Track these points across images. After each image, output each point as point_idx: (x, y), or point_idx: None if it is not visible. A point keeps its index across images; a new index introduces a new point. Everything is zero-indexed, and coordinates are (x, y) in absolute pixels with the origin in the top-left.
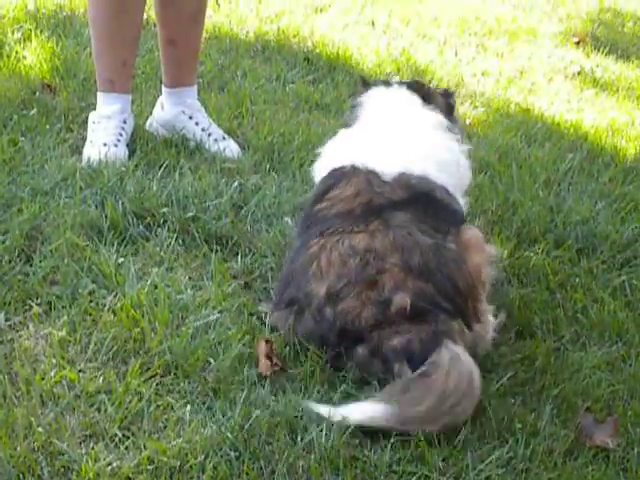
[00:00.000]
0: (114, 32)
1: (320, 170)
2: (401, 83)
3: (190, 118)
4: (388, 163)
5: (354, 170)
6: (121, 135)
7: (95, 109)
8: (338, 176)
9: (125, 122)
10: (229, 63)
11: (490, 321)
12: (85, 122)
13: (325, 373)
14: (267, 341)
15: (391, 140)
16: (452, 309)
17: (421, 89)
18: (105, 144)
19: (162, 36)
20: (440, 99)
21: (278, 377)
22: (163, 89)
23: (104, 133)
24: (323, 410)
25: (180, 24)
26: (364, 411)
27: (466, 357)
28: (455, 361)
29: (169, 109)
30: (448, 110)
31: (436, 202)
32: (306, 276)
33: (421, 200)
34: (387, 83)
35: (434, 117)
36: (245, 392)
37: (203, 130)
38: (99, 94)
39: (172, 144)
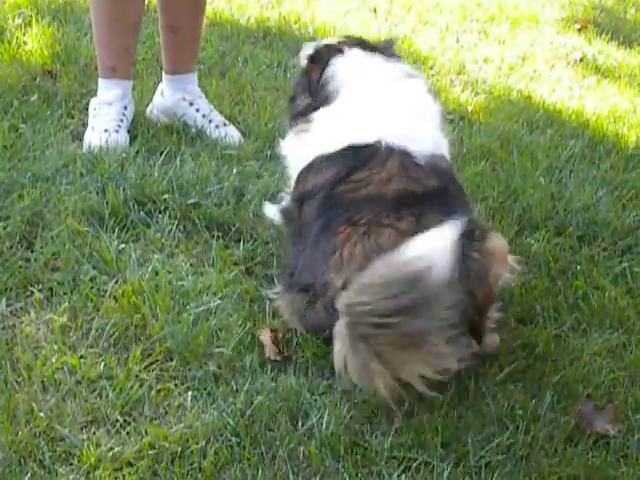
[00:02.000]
0: (116, 18)
1: (313, 147)
2: (355, 45)
3: (191, 105)
4: (418, 142)
5: (388, 150)
6: (122, 121)
7: (96, 95)
8: (366, 155)
9: (126, 108)
10: (230, 49)
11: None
12: (86, 108)
13: (327, 359)
14: (272, 330)
15: (401, 113)
16: (465, 328)
17: (373, 47)
18: (106, 130)
19: (163, 22)
20: (392, 52)
21: (279, 363)
22: (163, 75)
23: (105, 119)
24: None
25: (181, 10)
26: None
27: None
28: None
29: (169, 96)
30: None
31: (458, 189)
32: (326, 264)
33: (449, 190)
34: (340, 50)
35: (417, 80)
36: (246, 378)
37: (204, 117)
38: (100, 80)
39: (173, 131)
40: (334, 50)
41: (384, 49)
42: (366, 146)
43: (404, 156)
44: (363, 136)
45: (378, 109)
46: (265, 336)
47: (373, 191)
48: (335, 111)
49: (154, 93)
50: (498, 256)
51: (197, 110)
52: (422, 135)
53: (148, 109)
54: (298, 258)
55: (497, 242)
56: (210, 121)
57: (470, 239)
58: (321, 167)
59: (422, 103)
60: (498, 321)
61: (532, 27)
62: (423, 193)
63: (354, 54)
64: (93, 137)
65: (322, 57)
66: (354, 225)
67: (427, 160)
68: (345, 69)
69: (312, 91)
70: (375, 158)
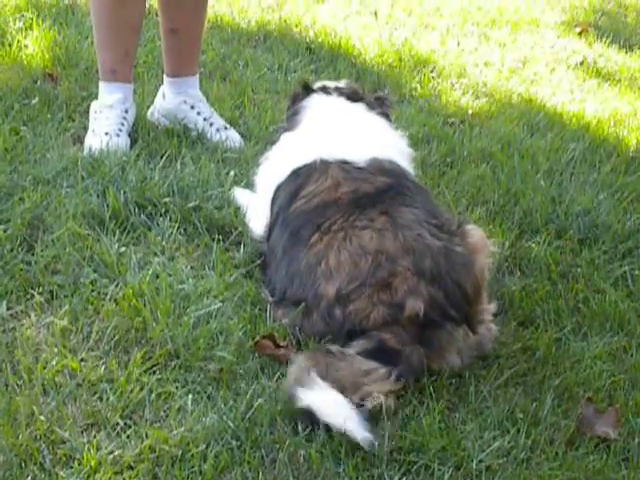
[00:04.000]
0: (117, 21)
1: (271, 174)
2: (338, 90)
3: (192, 108)
4: (355, 152)
5: (324, 163)
6: (123, 125)
7: (97, 98)
8: (307, 172)
9: (127, 112)
10: (231, 52)
11: (492, 324)
12: (87, 111)
13: None
14: (268, 336)
15: (346, 135)
16: (458, 316)
17: (356, 95)
18: (107, 133)
19: (164, 25)
20: (375, 104)
21: (280, 366)
22: (165, 78)
23: (106, 122)
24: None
25: (183, 13)
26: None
27: None
28: None
29: (171, 99)
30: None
31: (413, 183)
32: (313, 275)
33: (403, 184)
34: (326, 90)
35: (374, 115)
36: (247, 381)
37: (205, 120)
38: (101, 83)
39: (174, 134)
40: (311, 90)
41: (356, 96)
42: (305, 166)
43: (342, 163)
44: (304, 159)
45: (320, 135)
46: (266, 339)
47: (326, 198)
48: (287, 140)
49: (155, 96)
50: (481, 248)
51: (198, 113)
52: (360, 146)
53: (149, 112)
54: (277, 275)
55: (478, 235)
56: (211, 124)
57: (449, 233)
58: (276, 196)
59: (365, 124)
60: (495, 314)
61: (533, 30)
62: (377, 191)
63: (322, 95)
64: (94, 141)
65: (301, 95)
66: (328, 232)
67: (369, 163)
68: (311, 106)
69: (287, 122)
70: (315, 172)
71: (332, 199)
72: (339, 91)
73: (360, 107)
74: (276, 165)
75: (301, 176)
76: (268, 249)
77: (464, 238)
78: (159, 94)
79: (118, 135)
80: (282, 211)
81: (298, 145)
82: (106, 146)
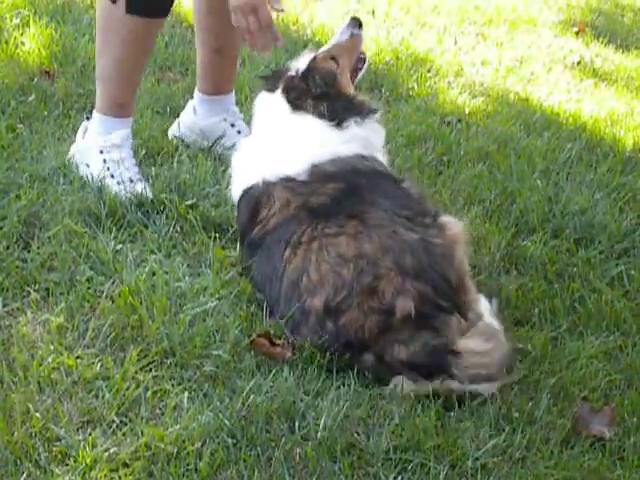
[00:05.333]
0: (142, 54)
1: (235, 189)
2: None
3: (232, 126)
4: (292, 166)
5: (266, 184)
6: (136, 165)
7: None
8: (256, 196)
9: (131, 147)
10: None
11: (483, 307)
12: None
13: (324, 359)
14: (263, 335)
15: (283, 146)
16: (449, 306)
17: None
18: (132, 180)
19: (210, 45)
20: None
21: (276, 364)
22: (200, 96)
23: (123, 168)
24: None
25: (229, 32)
26: None
27: None
28: None
29: (206, 116)
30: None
31: (373, 178)
32: (297, 292)
33: (359, 184)
34: (270, 88)
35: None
36: (243, 379)
37: (244, 137)
38: (103, 118)
39: None
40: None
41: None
42: (252, 187)
43: (285, 181)
44: (250, 179)
45: (260, 149)
46: (261, 337)
47: (281, 217)
48: (240, 150)
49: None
50: (459, 239)
51: (239, 132)
52: (297, 156)
53: (173, 128)
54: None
55: (456, 228)
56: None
57: (424, 226)
58: (238, 213)
59: (299, 128)
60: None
61: (530, 30)
62: (332, 200)
63: (265, 95)
64: (119, 188)
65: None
66: (299, 245)
67: (310, 173)
68: (256, 109)
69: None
70: (263, 195)
71: (288, 216)
72: (281, 84)
73: (299, 113)
74: (234, 182)
75: (252, 200)
76: (244, 269)
77: (441, 230)
78: (188, 110)
79: (140, 180)
80: (246, 233)
81: (245, 160)
82: (132, 191)
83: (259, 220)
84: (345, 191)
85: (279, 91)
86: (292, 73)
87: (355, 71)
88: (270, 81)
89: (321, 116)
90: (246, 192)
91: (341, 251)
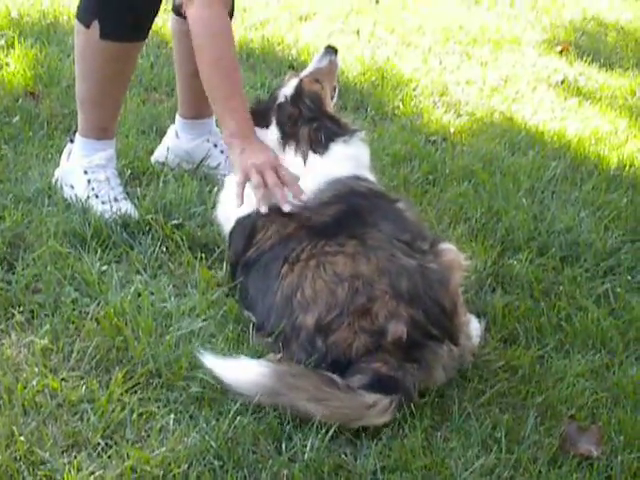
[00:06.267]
0: (119, 74)
1: (226, 218)
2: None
3: (215, 146)
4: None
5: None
6: (121, 184)
7: (77, 152)
8: (251, 223)
9: (115, 167)
10: None
11: (473, 328)
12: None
13: None
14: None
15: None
16: (440, 334)
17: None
18: (116, 200)
19: (187, 70)
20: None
21: None
22: (181, 121)
23: (108, 188)
24: (207, 360)
25: None
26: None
27: None
28: None
29: (188, 139)
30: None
31: (372, 200)
32: (290, 307)
33: (359, 206)
34: (260, 124)
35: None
36: (229, 400)
37: (227, 157)
38: (86, 140)
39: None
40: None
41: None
42: (247, 216)
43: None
44: (244, 208)
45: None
46: None
47: (278, 237)
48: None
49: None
50: (456, 266)
51: (222, 152)
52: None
53: (156, 154)
54: (253, 310)
55: (453, 254)
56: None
57: (421, 251)
58: (230, 243)
59: (287, 157)
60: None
61: (514, 49)
62: (332, 219)
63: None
64: (103, 208)
65: None
66: (297, 261)
67: (308, 196)
68: None
69: None
70: (259, 221)
71: (286, 235)
72: (274, 116)
73: (290, 141)
74: (223, 212)
75: (247, 227)
76: (238, 291)
77: (439, 257)
78: (170, 135)
79: (125, 199)
80: (239, 257)
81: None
82: (117, 211)
83: (255, 242)
84: (346, 212)
85: (273, 125)
86: (281, 100)
87: (330, 98)
88: (259, 116)
89: (313, 140)
90: (241, 221)
91: (338, 270)
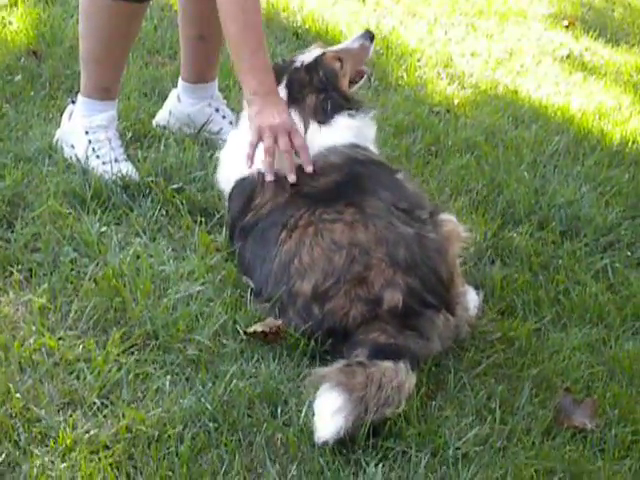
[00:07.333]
0: (125, 34)
1: (226, 179)
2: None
3: (217, 111)
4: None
5: (262, 174)
6: (122, 146)
7: (78, 102)
8: (250, 186)
9: (117, 128)
10: None
11: (471, 299)
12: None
13: (307, 346)
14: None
15: None
16: (437, 302)
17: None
18: (117, 160)
19: (191, 33)
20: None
21: (260, 350)
22: (183, 84)
23: (109, 148)
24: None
25: (212, 19)
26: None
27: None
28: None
29: (190, 103)
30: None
31: (373, 169)
32: (287, 273)
33: (359, 174)
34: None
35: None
36: (226, 364)
37: (230, 124)
38: (88, 100)
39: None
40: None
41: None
42: (246, 178)
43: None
44: (244, 170)
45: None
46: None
47: (277, 203)
48: (230, 141)
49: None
50: (455, 238)
51: (224, 117)
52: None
53: (158, 117)
54: (251, 276)
55: (452, 225)
56: (230, 122)
57: (420, 220)
58: (229, 204)
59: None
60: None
61: (520, 22)
62: (331, 186)
63: None
64: (104, 168)
65: None
66: (295, 228)
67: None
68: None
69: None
70: (257, 185)
71: (285, 201)
72: (285, 77)
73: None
74: (223, 173)
75: (246, 189)
76: (236, 256)
77: (437, 227)
78: (172, 98)
79: (126, 160)
80: (237, 221)
81: (237, 152)
82: (118, 172)
83: (253, 207)
84: (345, 179)
85: (282, 86)
86: (297, 65)
87: (353, 82)
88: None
89: (318, 109)
90: (240, 182)
91: (335, 237)
